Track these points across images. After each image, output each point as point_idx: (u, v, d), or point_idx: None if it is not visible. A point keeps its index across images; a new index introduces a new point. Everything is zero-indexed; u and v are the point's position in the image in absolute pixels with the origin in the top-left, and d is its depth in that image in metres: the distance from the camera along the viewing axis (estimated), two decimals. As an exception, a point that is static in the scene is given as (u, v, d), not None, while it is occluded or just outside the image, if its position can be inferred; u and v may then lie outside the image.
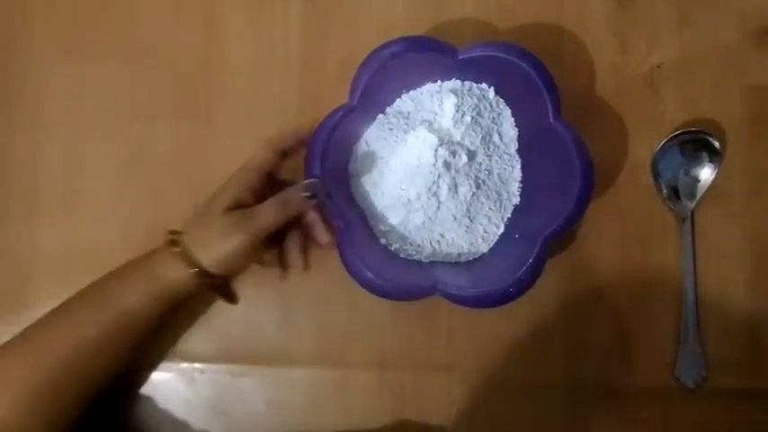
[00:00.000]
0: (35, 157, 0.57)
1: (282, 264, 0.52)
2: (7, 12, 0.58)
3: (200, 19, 0.58)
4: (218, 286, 0.47)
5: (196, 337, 0.55)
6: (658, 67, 0.57)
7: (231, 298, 0.49)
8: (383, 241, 0.52)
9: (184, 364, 0.55)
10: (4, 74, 0.58)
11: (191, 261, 0.45)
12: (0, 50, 0.58)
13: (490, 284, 0.48)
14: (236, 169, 0.50)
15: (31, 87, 0.58)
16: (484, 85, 0.53)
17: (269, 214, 0.47)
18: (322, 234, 0.51)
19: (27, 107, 0.57)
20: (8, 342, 0.48)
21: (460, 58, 0.50)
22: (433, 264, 0.52)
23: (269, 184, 0.50)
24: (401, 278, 0.50)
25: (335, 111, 0.50)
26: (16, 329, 0.54)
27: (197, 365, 0.55)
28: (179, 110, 0.57)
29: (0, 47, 0.58)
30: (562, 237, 0.49)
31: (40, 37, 0.58)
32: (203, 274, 0.45)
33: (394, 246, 0.52)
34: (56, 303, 0.54)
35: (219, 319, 0.55)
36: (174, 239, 0.47)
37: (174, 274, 0.46)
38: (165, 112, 0.57)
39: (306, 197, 0.48)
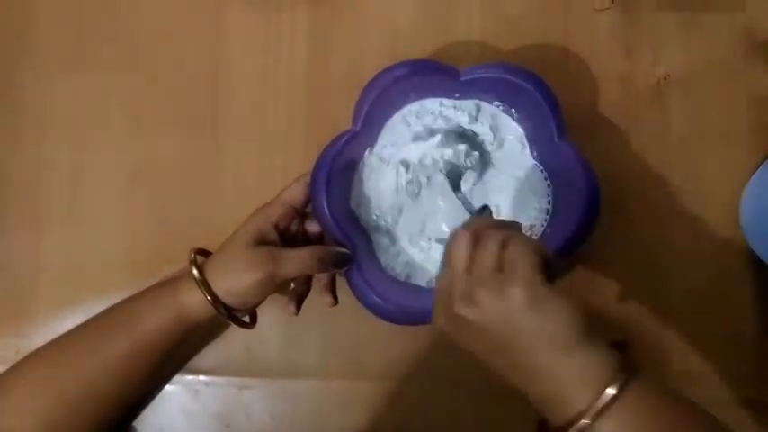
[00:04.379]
0: (38, 168, 0.57)
1: (296, 301, 0.51)
2: (12, 23, 0.58)
3: (205, 30, 0.58)
4: (233, 316, 0.46)
5: (200, 349, 0.54)
6: (665, 78, 0.57)
7: (246, 326, 0.49)
8: (388, 263, 0.52)
9: (189, 377, 0.54)
10: (8, 85, 0.57)
11: (207, 289, 0.45)
12: (4, 61, 0.58)
13: None
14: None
15: (35, 98, 0.57)
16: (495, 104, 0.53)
17: (294, 266, 0.46)
18: (327, 297, 0.51)
19: (31, 118, 0.57)
20: (31, 356, 0.47)
21: (463, 79, 0.50)
22: None
23: (297, 219, 0.50)
24: (408, 302, 0.49)
25: (339, 137, 0.50)
26: (18, 341, 0.54)
27: (201, 378, 0.54)
28: (184, 121, 0.57)
29: (4, 58, 0.58)
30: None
31: (45, 48, 0.58)
32: (218, 302, 0.45)
33: (399, 268, 0.52)
34: (58, 315, 0.54)
35: (224, 332, 0.54)
36: (195, 260, 0.46)
37: (193, 299, 0.45)
38: (170, 123, 0.57)
39: (335, 266, 0.48)
